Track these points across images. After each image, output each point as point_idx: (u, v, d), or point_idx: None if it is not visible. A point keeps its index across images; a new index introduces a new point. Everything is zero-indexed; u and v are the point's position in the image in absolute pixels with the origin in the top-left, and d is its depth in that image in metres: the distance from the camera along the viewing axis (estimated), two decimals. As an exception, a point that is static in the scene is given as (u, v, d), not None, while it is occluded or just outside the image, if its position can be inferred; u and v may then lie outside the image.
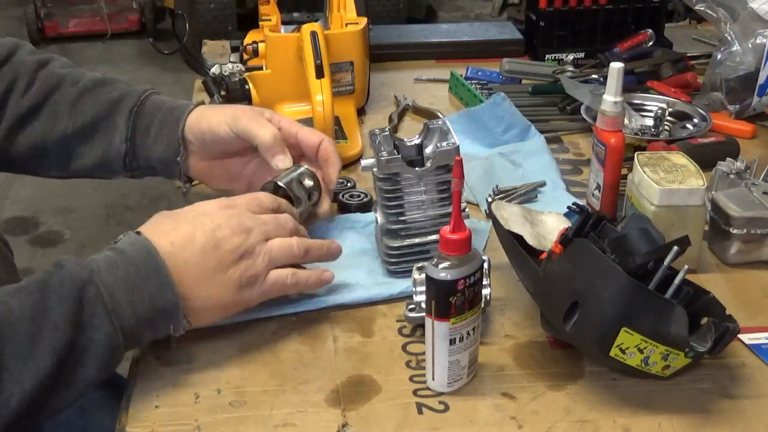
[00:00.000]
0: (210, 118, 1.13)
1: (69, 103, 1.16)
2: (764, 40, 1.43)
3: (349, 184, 1.27)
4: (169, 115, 1.15)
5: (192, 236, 0.92)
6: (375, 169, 1.05)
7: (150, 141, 1.15)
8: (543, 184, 1.26)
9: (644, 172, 1.06)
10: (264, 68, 1.47)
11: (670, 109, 1.46)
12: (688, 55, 1.68)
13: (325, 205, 1.12)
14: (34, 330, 0.82)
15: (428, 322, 0.87)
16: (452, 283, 0.84)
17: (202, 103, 1.22)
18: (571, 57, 1.72)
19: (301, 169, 1.09)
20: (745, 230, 1.08)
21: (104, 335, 0.85)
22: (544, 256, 0.96)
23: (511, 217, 1.02)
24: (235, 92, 1.47)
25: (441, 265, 0.84)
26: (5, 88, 1.16)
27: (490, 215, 1.03)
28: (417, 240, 1.06)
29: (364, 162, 1.06)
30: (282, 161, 1.09)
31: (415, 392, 0.90)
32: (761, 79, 1.43)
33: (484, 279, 0.98)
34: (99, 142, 1.16)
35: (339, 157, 1.13)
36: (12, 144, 1.17)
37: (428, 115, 1.50)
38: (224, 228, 0.93)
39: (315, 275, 0.99)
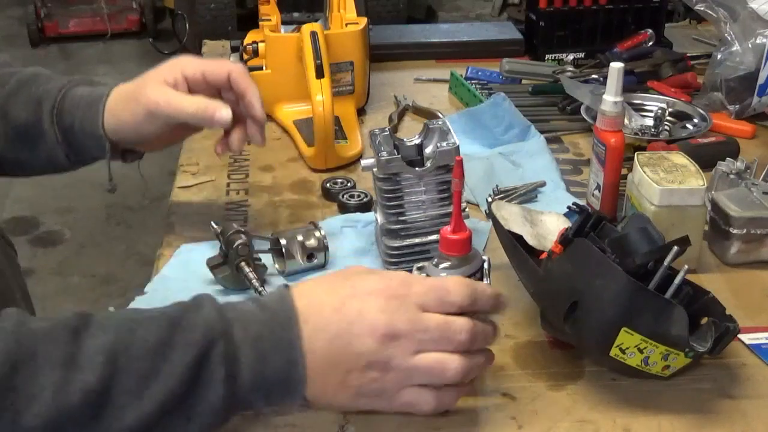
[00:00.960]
0: (125, 117, 1.07)
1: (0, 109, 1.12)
2: (764, 40, 1.43)
3: (349, 184, 1.27)
4: (88, 113, 1.09)
5: (329, 321, 0.79)
6: (375, 169, 1.05)
7: (80, 139, 1.10)
8: (543, 184, 1.26)
9: (644, 172, 1.06)
10: (264, 68, 1.47)
11: (670, 109, 1.46)
12: (688, 55, 1.68)
13: (254, 130, 1.08)
14: (150, 369, 0.75)
15: None
16: None
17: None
18: (571, 57, 1.72)
19: (308, 228, 1.08)
20: (745, 230, 1.08)
21: (217, 397, 0.77)
22: (544, 256, 0.96)
23: (511, 217, 1.02)
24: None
25: (441, 266, 0.84)
26: None
27: (490, 215, 1.03)
28: (417, 240, 1.06)
29: (364, 162, 1.06)
30: (220, 116, 1.03)
31: (415, 392, 0.89)
32: (761, 79, 1.43)
33: (485, 279, 0.98)
34: (37, 148, 1.11)
35: (253, 81, 1.08)
36: None
37: (428, 115, 1.50)
38: (365, 323, 0.79)
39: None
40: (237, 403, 0.79)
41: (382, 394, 0.81)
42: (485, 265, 0.99)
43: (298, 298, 0.81)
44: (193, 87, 1.07)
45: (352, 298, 0.80)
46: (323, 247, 1.07)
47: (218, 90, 1.08)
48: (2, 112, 1.11)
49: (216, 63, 1.09)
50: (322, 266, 1.08)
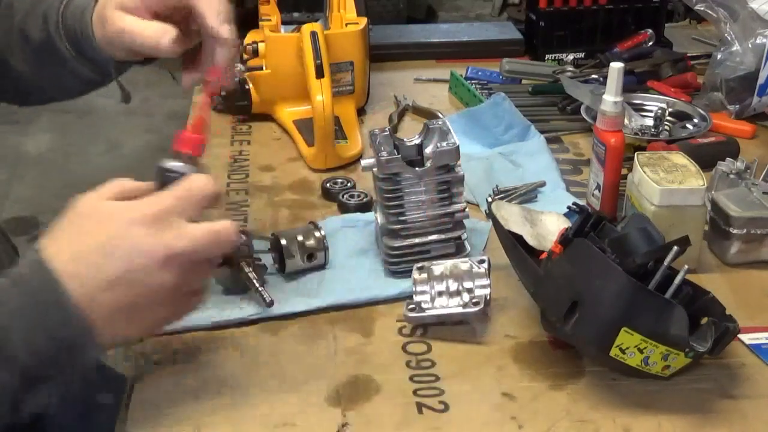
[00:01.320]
0: (100, 39, 1.01)
1: (19, 32, 1.06)
2: (764, 40, 1.43)
3: (349, 184, 1.27)
4: (83, 26, 1.02)
5: (99, 265, 0.77)
6: (375, 169, 1.05)
7: (90, 51, 1.04)
8: (543, 184, 1.26)
9: (644, 172, 1.06)
10: (264, 68, 1.47)
11: (670, 109, 1.46)
12: (688, 55, 1.68)
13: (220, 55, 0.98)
14: None
15: None
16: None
17: None
18: (571, 57, 1.72)
19: (308, 228, 1.08)
20: (745, 230, 1.08)
21: (3, 383, 0.76)
22: (544, 256, 0.96)
23: (511, 217, 1.02)
24: (235, 92, 1.47)
25: (174, 159, 0.84)
26: None
27: (490, 215, 1.03)
28: (417, 240, 1.06)
29: (364, 162, 1.06)
30: (165, 40, 0.95)
31: (415, 392, 0.90)
32: (761, 79, 1.43)
33: (485, 279, 0.98)
34: (58, 66, 1.06)
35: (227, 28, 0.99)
36: (14, 88, 1.12)
37: (428, 115, 1.50)
38: (143, 257, 0.78)
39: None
40: (27, 381, 0.76)
41: (172, 318, 0.85)
42: (485, 265, 0.99)
43: (55, 256, 0.78)
44: (154, 11, 0.98)
45: (113, 238, 0.78)
46: (323, 247, 1.07)
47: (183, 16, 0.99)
48: (22, 37, 1.07)
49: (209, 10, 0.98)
50: (322, 266, 1.08)
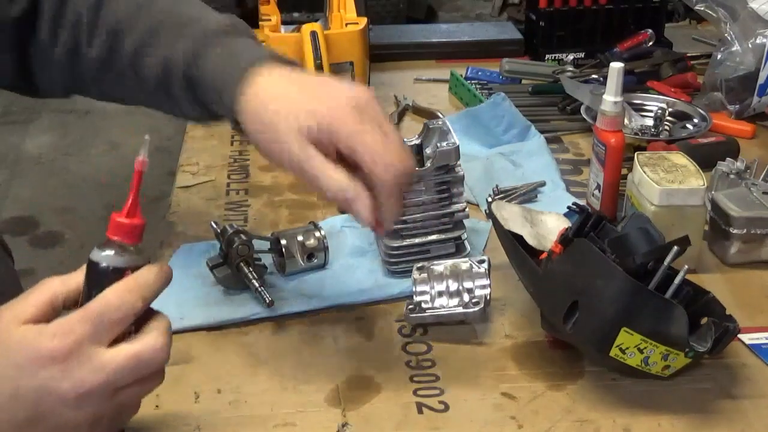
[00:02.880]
0: (253, 133, 0.89)
1: (129, 59, 0.98)
2: (764, 40, 1.43)
3: (349, 184, 1.27)
4: (220, 92, 0.92)
5: (6, 409, 0.71)
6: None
7: (215, 109, 0.96)
8: (543, 184, 1.26)
9: (644, 172, 1.06)
10: (264, 68, 1.47)
11: (670, 109, 1.46)
12: (688, 55, 1.68)
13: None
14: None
15: None
16: (119, 273, 0.74)
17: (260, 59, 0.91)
18: (571, 57, 1.72)
19: (308, 228, 1.08)
20: (745, 230, 1.08)
21: None
22: (544, 256, 0.96)
23: (511, 217, 1.02)
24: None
25: (105, 252, 0.74)
26: (72, 40, 1.01)
27: (490, 215, 1.03)
28: (417, 240, 1.06)
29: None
30: (363, 210, 0.84)
31: (415, 392, 0.90)
32: (761, 79, 1.43)
33: (485, 279, 0.98)
34: (168, 104, 1.00)
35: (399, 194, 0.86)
36: (98, 92, 1.07)
37: (428, 115, 1.50)
38: (52, 400, 0.71)
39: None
40: None
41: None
42: (485, 265, 0.99)
43: None
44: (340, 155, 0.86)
45: (23, 378, 0.70)
46: (323, 247, 1.07)
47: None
48: (131, 65, 0.99)
49: (377, 154, 0.83)
50: (322, 266, 1.08)
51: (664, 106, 1.46)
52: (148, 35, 0.98)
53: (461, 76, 1.61)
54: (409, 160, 0.86)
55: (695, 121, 1.44)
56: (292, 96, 0.87)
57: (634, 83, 1.57)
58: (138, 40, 0.98)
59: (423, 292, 0.99)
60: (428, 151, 1.07)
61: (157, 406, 0.88)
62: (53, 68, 1.04)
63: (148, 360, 0.74)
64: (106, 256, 0.74)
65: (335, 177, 0.84)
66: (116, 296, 0.72)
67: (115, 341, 0.73)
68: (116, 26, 1.00)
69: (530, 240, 0.99)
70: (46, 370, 0.70)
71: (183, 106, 0.98)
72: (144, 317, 0.75)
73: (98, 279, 0.74)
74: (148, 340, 0.74)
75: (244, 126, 0.90)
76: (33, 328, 0.71)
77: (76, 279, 0.75)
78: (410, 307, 0.98)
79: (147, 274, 0.74)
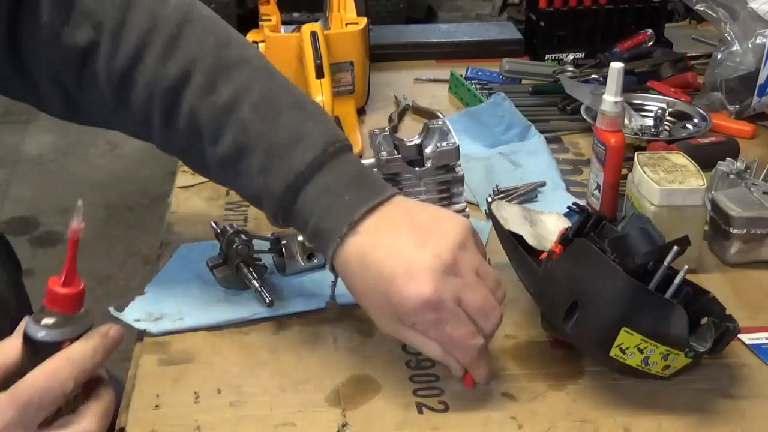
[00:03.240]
0: (354, 288, 0.87)
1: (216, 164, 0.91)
2: (764, 40, 1.43)
3: (349, 184, 1.27)
4: (317, 243, 0.88)
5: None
6: (375, 169, 1.05)
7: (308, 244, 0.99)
8: (543, 184, 1.26)
9: (644, 172, 1.06)
10: (264, 68, 1.47)
11: (670, 109, 1.46)
12: (688, 55, 1.68)
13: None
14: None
15: None
16: (56, 346, 0.71)
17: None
18: (571, 57, 1.72)
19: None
20: (745, 230, 1.08)
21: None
22: (544, 256, 0.96)
23: (511, 217, 1.02)
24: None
25: (42, 321, 0.70)
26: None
27: (490, 215, 1.03)
28: (417, 240, 1.06)
29: (364, 162, 1.06)
30: (457, 371, 0.87)
31: (415, 392, 0.90)
32: (761, 79, 1.43)
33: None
34: (228, 179, 0.95)
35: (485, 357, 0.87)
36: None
37: (428, 115, 1.50)
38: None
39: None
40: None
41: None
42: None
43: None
44: None
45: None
46: None
47: None
48: (215, 171, 0.93)
49: (482, 316, 0.84)
50: (322, 266, 1.08)
51: (664, 106, 1.46)
52: (226, 157, 0.89)
53: (461, 76, 1.61)
54: (499, 305, 0.86)
55: (695, 121, 1.44)
56: (386, 272, 0.82)
57: (634, 83, 1.57)
58: (220, 155, 0.90)
59: (423, 292, 0.99)
60: (428, 151, 1.07)
61: (157, 406, 0.88)
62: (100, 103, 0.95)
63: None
64: (42, 328, 0.71)
65: (430, 348, 0.85)
66: (44, 378, 0.69)
67: (49, 419, 0.70)
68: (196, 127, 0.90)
69: (530, 240, 0.99)
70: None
71: (236, 187, 0.94)
72: (89, 386, 0.72)
73: (35, 352, 0.71)
74: (80, 427, 0.71)
75: (340, 276, 0.88)
76: None
77: (15, 345, 0.72)
78: (410, 307, 0.98)
79: (81, 349, 0.71)
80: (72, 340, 0.71)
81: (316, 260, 1.07)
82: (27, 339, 0.71)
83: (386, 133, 1.08)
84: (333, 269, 0.87)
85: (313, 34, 1.37)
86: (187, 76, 0.88)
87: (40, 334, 0.70)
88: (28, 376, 0.69)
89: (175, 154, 0.97)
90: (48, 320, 0.70)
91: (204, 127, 0.89)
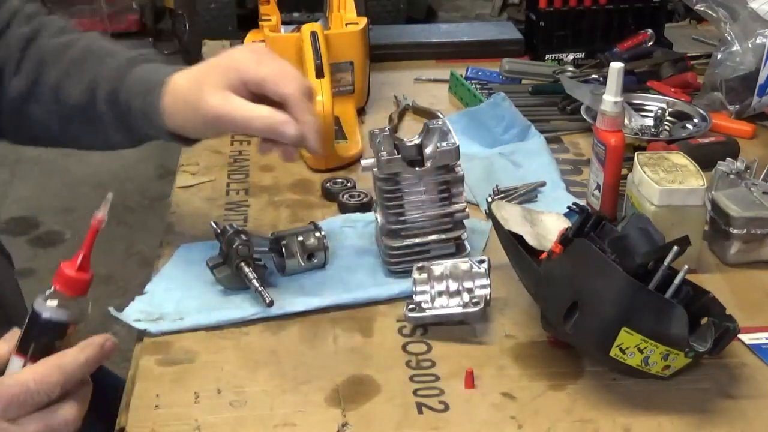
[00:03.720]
0: (182, 121, 0.99)
1: (53, 89, 1.06)
2: (764, 40, 1.43)
3: (349, 184, 1.27)
4: (145, 101, 1.01)
5: None
6: (375, 169, 1.05)
7: (138, 124, 1.03)
8: (543, 184, 1.26)
9: (644, 172, 1.06)
10: (264, 68, 1.47)
11: (670, 109, 1.46)
12: (688, 55, 1.68)
13: (311, 140, 0.96)
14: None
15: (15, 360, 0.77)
16: (56, 326, 0.76)
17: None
18: (571, 57, 1.72)
19: (308, 228, 1.08)
20: (745, 230, 1.08)
21: None
22: (544, 256, 0.96)
23: (511, 217, 1.02)
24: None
25: (49, 301, 0.75)
26: None
27: (490, 215, 1.03)
28: (417, 240, 1.06)
29: (364, 162, 1.06)
30: (290, 134, 0.94)
31: (415, 392, 0.90)
32: (761, 79, 1.43)
33: (485, 279, 0.98)
34: (93, 128, 1.07)
35: (312, 108, 0.97)
36: (19, 128, 1.11)
37: (428, 115, 1.50)
38: None
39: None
40: None
41: None
42: (485, 266, 0.99)
43: None
44: (251, 90, 0.97)
45: None
46: (323, 247, 1.07)
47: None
48: (55, 94, 1.06)
49: (278, 76, 0.97)
50: (322, 266, 1.08)
51: (664, 106, 1.46)
52: (72, 66, 1.06)
53: (461, 76, 1.61)
54: (303, 76, 1.00)
55: (695, 121, 1.44)
56: (201, 70, 1.00)
57: (634, 83, 1.57)
58: (63, 70, 1.06)
59: (423, 292, 0.99)
60: (428, 151, 1.07)
61: (157, 406, 0.88)
62: None
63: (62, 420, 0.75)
64: (49, 308, 0.75)
65: (258, 110, 0.95)
66: (34, 381, 0.73)
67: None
68: (41, 60, 1.07)
69: (530, 240, 0.99)
70: None
71: (107, 129, 1.05)
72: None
73: (39, 330, 0.76)
74: (60, 414, 0.75)
75: (171, 119, 1.00)
76: None
77: (4, 350, 0.77)
78: (410, 307, 0.98)
79: (74, 359, 0.75)
80: (74, 325, 0.76)
81: (316, 260, 1.07)
82: (33, 316, 0.76)
83: (386, 133, 1.08)
84: (168, 133, 1.01)
85: (313, 34, 1.37)
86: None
87: (48, 313, 0.75)
88: (20, 376, 0.73)
89: (26, 104, 1.09)
90: (56, 299, 0.75)
91: (48, 55, 1.08)
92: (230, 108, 0.95)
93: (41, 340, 0.76)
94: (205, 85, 0.97)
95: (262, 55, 1.00)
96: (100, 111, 1.04)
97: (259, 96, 0.97)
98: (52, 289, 0.76)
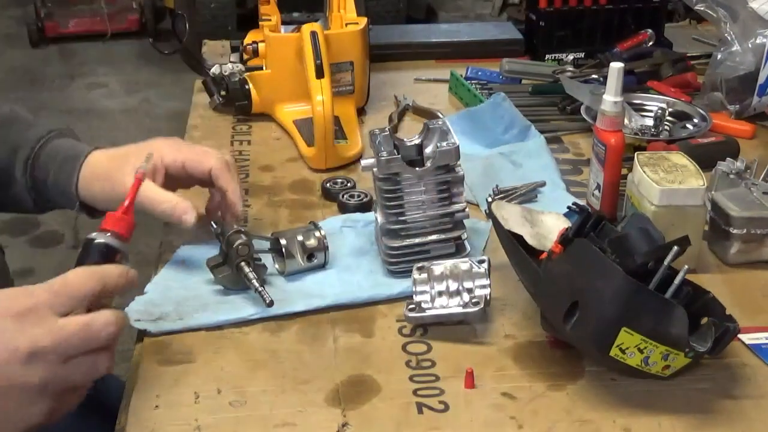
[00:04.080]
0: (97, 193, 1.08)
1: None
2: (764, 40, 1.43)
3: (349, 184, 1.27)
4: (62, 171, 1.10)
5: None
6: (375, 169, 1.05)
7: (51, 192, 1.11)
8: (543, 184, 1.26)
9: (644, 172, 1.06)
10: (264, 68, 1.47)
11: (670, 109, 1.46)
12: (688, 55, 1.68)
13: (228, 218, 1.08)
14: None
15: None
16: (111, 251, 0.90)
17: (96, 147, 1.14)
18: (571, 57, 1.72)
19: (308, 228, 1.08)
20: (745, 230, 1.08)
21: None
22: (544, 256, 0.96)
23: (511, 217, 1.02)
24: (235, 92, 1.47)
25: (100, 236, 0.90)
26: None
27: (490, 215, 1.03)
28: (417, 240, 1.06)
29: (364, 162, 1.06)
30: (186, 220, 1.03)
31: (415, 392, 0.90)
32: (761, 79, 1.43)
33: (485, 279, 0.98)
34: (5, 191, 1.12)
35: (236, 176, 1.10)
36: None
37: (428, 115, 1.50)
38: (3, 348, 0.75)
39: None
40: None
41: (43, 416, 0.78)
42: (485, 266, 0.99)
43: None
44: (172, 175, 1.08)
45: None
46: (323, 247, 1.07)
47: (196, 181, 1.11)
48: None
49: (198, 155, 1.09)
50: (322, 266, 1.08)
51: (664, 106, 1.46)
52: None
53: (461, 76, 1.61)
54: (221, 152, 1.12)
55: (695, 121, 1.44)
56: (124, 150, 1.10)
57: (634, 83, 1.57)
58: None
59: (423, 292, 0.99)
60: (428, 151, 1.07)
61: (157, 406, 0.88)
62: None
63: (98, 330, 0.79)
64: (100, 235, 0.90)
65: (165, 195, 1.04)
66: (78, 278, 0.82)
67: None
68: None
69: (530, 240, 0.99)
70: (3, 323, 0.76)
71: (20, 192, 1.12)
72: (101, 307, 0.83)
73: (91, 252, 0.89)
74: (100, 316, 0.81)
75: (84, 190, 1.08)
76: None
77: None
78: (410, 307, 0.98)
79: (113, 269, 0.85)
80: (121, 255, 0.89)
81: (316, 260, 1.07)
82: (86, 243, 0.90)
83: (386, 133, 1.08)
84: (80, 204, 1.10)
85: (313, 34, 1.37)
86: None
87: (101, 238, 0.90)
88: (63, 275, 0.82)
89: None
90: (107, 233, 0.90)
91: None
92: (141, 190, 0.99)
93: (91, 262, 0.88)
94: (125, 164, 1.05)
95: (180, 143, 1.12)
96: (17, 175, 1.11)
97: (182, 180, 1.09)
98: (102, 229, 0.90)
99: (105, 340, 0.80)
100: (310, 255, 1.07)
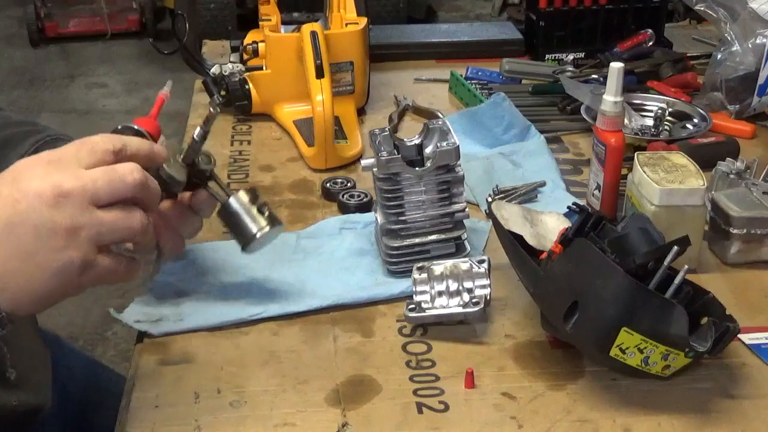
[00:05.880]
0: None
1: None
2: (764, 40, 1.43)
3: (349, 184, 1.27)
4: None
5: None
6: (375, 169, 1.05)
7: None
8: (543, 184, 1.26)
9: (644, 172, 1.06)
10: (264, 68, 1.47)
11: (670, 109, 1.46)
12: (688, 55, 1.68)
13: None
14: None
15: None
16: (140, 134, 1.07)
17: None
18: (571, 57, 1.72)
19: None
20: (745, 230, 1.08)
21: None
22: (544, 256, 0.96)
23: (511, 217, 1.02)
24: (235, 92, 1.47)
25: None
26: None
27: (490, 215, 1.03)
28: (417, 240, 1.06)
29: (364, 162, 1.06)
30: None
31: (415, 392, 0.90)
32: (761, 79, 1.43)
33: (485, 279, 0.98)
34: None
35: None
36: None
37: (428, 115, 1.50)
38: (30, 193, 0.76)
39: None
40: None
41: (76, 264, 0.78)
42: (485, 266, 0.99)
43: None
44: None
45: (2, 177, 0.79)
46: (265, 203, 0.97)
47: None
48: None
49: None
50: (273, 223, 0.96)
51: (664, 106, 1.46)
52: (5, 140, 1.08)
53: (461, 76, 1.61)
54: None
55: (695, 121, 1.44)
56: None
57: (634, 83, 1.57)
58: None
59: (423, 292, 0.99)
60: (428, 151, 1.07)
61: (157, 406, 0.88)
62: None
63: (123, 174, 0.80)
64: (131, 124, 1.08)
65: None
66: (99, 137, 0.83)
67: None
68: None
69: (530, 240, 0.99)
70: (29, 171, 0.78)
71: None
72: None
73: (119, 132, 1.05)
74: (124, 164, 0.81)
75: None
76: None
77: None
78: (410, 307, 0.98)
79: (133, 137, 0.86)
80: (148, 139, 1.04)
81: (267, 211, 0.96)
82: (116, 128, 1.06)
83: (386, 133, 1.08)
84: None
85: (313, 34, 1.37)
86: None
87: (130, 124, 1.07)
88: (85, 138, 0.84)
89: None
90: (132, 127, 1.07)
91: None
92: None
93: None
94: None
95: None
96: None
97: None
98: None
99: (132, 187, 0.81)
100: (260, 207, 0.96)
